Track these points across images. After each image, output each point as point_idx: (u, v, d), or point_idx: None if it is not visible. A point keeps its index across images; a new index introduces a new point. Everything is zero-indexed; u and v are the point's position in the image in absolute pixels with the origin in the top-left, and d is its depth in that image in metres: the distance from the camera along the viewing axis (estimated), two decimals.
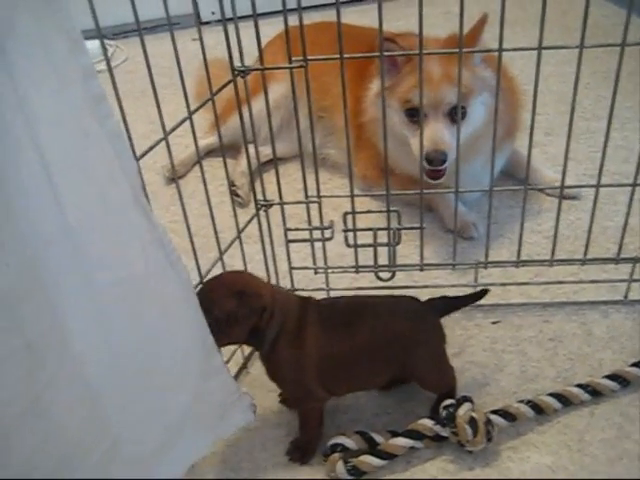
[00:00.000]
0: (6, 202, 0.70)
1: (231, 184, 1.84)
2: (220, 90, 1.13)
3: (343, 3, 2.36)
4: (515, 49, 1.11)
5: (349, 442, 1.12)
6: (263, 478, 1.10)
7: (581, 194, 1.73)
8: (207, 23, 2.81)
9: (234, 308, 1.03)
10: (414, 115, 1.53)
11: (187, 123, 1.07)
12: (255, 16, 1.08)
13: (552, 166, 1.84)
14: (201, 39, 1.08)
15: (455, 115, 1.48)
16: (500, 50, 1.12)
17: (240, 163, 1.93)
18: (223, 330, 1.04)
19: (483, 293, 1.20)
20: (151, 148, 0.95)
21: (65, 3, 0.72)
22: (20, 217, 0.71)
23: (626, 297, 1.40)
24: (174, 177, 1.19)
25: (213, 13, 2.72)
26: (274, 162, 1.33)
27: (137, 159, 0.89)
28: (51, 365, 0.79)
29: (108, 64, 0.87)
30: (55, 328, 0.79)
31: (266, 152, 1.47)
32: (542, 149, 1.97)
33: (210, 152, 2.01)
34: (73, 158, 0.78)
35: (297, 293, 1.25)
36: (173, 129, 1.01)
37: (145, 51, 0.95)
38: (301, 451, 1.16)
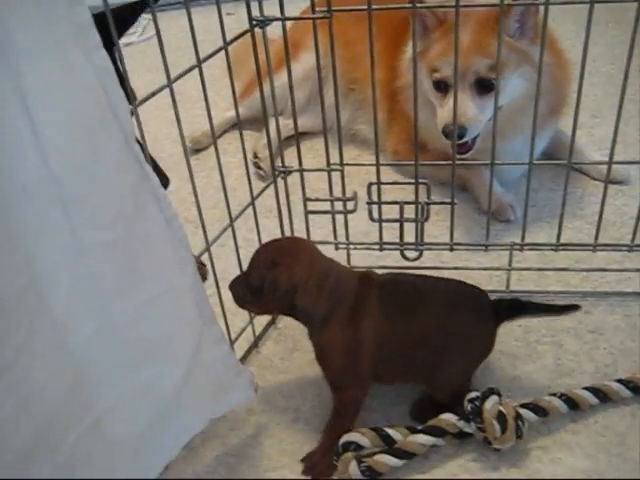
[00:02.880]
0: None
1: (254, 156, 1.75)
2: (235, 40, 1.03)
3: None
4: (562, 2, 0.99)
5: (363, 440, 1.00)
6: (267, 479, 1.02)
7: (629, 179, 1.61)
8: None
9: (262, 280, 0.98)
10: (441, 85, 1.45)
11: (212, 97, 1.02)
12: None
13: (598, 149, 1.72)
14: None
15: (483, 87, 1.39)
16: (547, 4, 1.00)
17: (264, 136, 1.84)
18: (256, 298, 1.02)
19: (569, 308, 1.09)
20: (153, 94, 0.86)
21: None
22: None
23: None
24: (196, 148, 1.10)
25: None
26: (295, 130, 1.26)
27: (134, 105, 0.80)
28: (25, 329, 0.71)
29: None
30: (31, 287, 0.71)
31: (292, 125, 1.38)
32: (588, 131, 1.84)
33: (237, 124, 1.92)
34: (57, 95, 0.68)
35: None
36: (179, 76, 0.91)
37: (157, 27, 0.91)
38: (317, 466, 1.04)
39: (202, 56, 0.96)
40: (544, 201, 1.56)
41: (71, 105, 0.70)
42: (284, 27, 1.07)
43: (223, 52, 1.00)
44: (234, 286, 1.05)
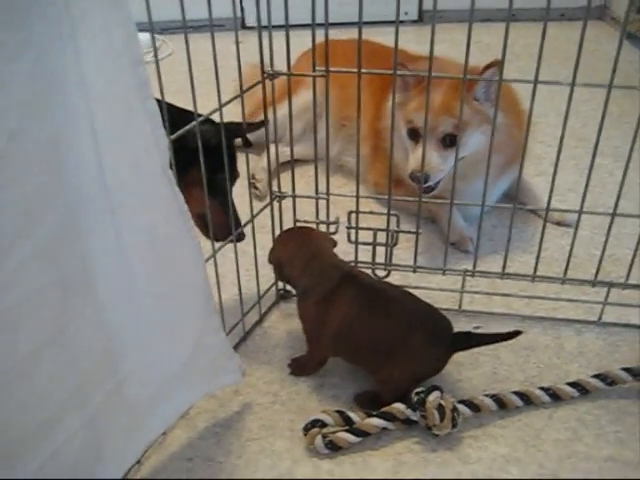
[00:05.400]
0: (58, 160, 0.83)
1: (251, 177, 1.97)
2: (250, 89, 1.27)
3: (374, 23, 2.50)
4: (512, 80, 1.25)
5: (328, 419, 1.24)
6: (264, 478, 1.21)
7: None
8: (251, 28, 2.98)
9: (271, 255, 1.37)
10: (414, 134, 1.71)
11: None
12: (287, 27, 1.23)
13: (555, 196, 1.95)
14: (237, 42, 1.22)
15: (448, 141, 1.65)
16: (500, 80, 1.26)
17: (263, 159, 2.07)
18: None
19: (512, 335, 1.26)
20: (185, 130, 1.09)
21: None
22: (68, 174, 0.85)
23: (600, 319, 1.52)
24: None
25: None
26: (291, 161, 1.48)
27: (170, 139, 1.03)
28: (77, 302, 0.93)
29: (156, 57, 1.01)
30: (83, 271, 0.93)
31: (288, 152, 1.61)
32: (547, 179, 2.06)
33: (239, 148, 2.15)
34: (117, 129, 0.92)
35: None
36: (204, 117, 1.15)
37: (188, 48, 1.08)
38: (300, 367, 1.38)
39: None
40: (501, 236, 1.80)
41: (126, 137, 0.93)
42: (289, 81, 1.31)
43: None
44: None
